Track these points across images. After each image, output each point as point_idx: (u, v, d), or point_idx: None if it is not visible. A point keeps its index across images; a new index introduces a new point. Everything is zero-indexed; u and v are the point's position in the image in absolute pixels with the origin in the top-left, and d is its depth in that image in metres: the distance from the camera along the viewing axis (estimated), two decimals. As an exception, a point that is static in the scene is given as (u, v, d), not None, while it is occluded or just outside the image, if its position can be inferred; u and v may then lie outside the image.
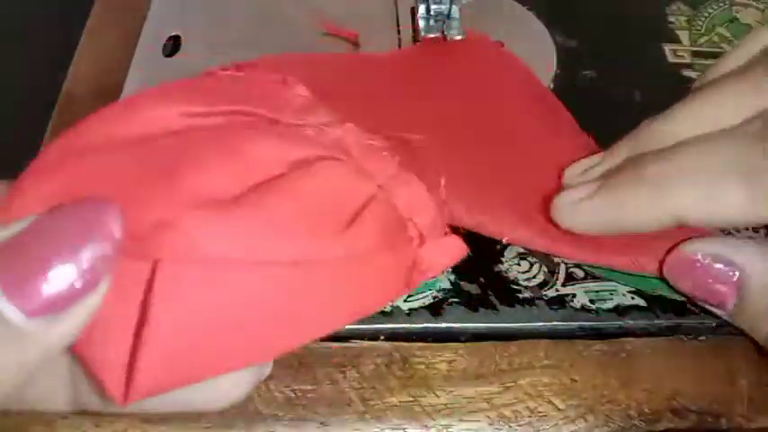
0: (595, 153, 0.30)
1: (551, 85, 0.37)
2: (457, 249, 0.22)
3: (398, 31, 0.38)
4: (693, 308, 0.29)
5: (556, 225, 0.28)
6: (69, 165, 0.16)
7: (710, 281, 0.25)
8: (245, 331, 0.16)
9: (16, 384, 0.13)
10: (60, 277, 0.13)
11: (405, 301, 0.28)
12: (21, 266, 0.13)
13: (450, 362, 0.28)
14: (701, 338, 0.29)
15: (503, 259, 0.30)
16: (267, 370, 0.20)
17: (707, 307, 0.27)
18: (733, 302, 0.25)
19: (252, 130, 0.18)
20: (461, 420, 0.27)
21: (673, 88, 0.36)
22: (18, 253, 0.13)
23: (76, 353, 0.15)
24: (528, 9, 0.40)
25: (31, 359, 0.13)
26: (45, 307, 0.13)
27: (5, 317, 0.13)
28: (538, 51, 0.38)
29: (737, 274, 0.24)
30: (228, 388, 0.17)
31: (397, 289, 0.21)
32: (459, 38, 0.36)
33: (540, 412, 0.27)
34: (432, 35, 0.37)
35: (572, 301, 0.29)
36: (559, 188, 0.29)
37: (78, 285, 0.13)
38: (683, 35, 0.39)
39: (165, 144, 0.17)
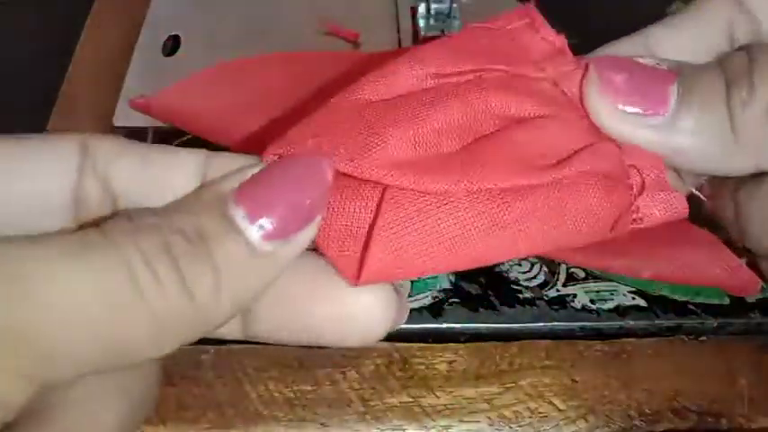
0: None
1: (552, 85, 0.36)
2: (677, 206, 0.20)
3: (398, 31, 0.38)
4: (694, 308, 0.29)
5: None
6: (321, 116, 0.19)
7: (649, 73, 0.19)
8: (454, 241, 0.18)
9: (253, 298, 0.16)
10: (291, 210, 0.16)
11: (405, 301, 0.28)
12: (262, 196, 0.16)
13: (450, 362, 0.28)
14: (701, 339, 0.29)
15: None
16: (403, 317, 0.19)
17: (638, 119, 0.19)
18: (673, 100, 0.19)
19: (483, 88, 0.20)
20: (461, 421, 0.27)
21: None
22: (261, 186, 0.16)
23: (320, 248, 0.18)
24: (528, 8, 0.40)
25: (265, 276, 0.16)
26: (277, 233, 0.16)
27: (248, 237, 0.15)
28: (538, 51, 0.38)
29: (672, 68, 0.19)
30: (364, 323, 0.18)
31: (604, 226, 0.19)
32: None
33: (540, 413, 0.27)
34: (432, 34, 0.36)
35: (573, 301, 0.29)
36: None
37: (302, 217, 0.16)
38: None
39: (407, 97, 0.20)
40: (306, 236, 0.16)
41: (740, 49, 0.19)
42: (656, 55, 0.20)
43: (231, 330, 0.18)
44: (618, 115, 0.19)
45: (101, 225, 0.15)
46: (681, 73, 0.19)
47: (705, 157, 0.19)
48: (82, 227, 0.16)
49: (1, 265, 0.13)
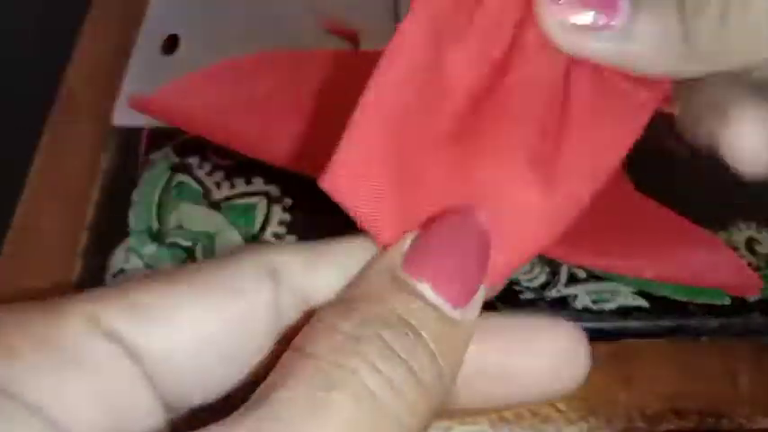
0: None
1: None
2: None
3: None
4: (695, 308, 0.29)
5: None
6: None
7: None
8: None
9: (459, 368, 0.16)
10: (464, 276, 0.16)
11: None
12: (437, 267, 0.16)
13: (450, 363, 0.28)
14: (702, 339, 0.29)
15: (504, 260, 0.30)
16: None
17: (590, 29, 0.18)
18: (626, 7, 0.18)
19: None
20: (462, 423, 0.27)
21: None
22: (432, 257, 0.16)
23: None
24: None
25: (465, 344, 0.16)
26: (460, 300, 0.16)
27: (443, 310, 0.15)
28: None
29: None
30: (567, 369, 0.18)
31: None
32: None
33: (541, 414, 0.27)
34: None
35: (574, 302, 0.29)
36: None
37: (474, 280, 0.16)
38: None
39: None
40: (480, 297, 0.16)
41: None
42: None
43: None
44: (569, 28, 0.18)
45: (308, 350, 0.14)
46: None
47: (658, 64, 0.18)
48: (281, 341, 0.17)
49: None
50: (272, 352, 0.17)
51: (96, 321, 0.15)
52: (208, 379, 0.16)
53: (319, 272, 0.17)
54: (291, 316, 0.17)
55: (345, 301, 0.16)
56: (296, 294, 0.17)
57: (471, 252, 0.16)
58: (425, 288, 0.15)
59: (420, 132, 0.17)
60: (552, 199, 0.17)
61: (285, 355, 0.15)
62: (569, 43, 0.18)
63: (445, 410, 0.17)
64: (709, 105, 0.20)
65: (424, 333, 0.15)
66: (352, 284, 0.17)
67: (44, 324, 0.15)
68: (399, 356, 0.14)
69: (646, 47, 0.18)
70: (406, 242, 0.16)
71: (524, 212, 0.17)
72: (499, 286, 0.18)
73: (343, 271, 0.17)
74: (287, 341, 0.15)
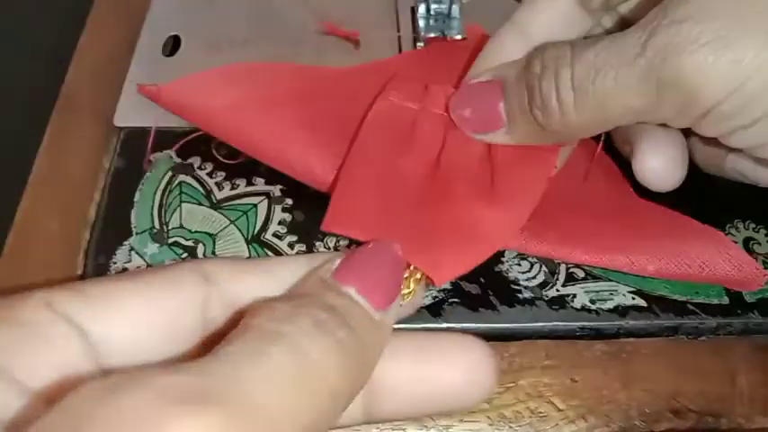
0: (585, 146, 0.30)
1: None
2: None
3: (399, 30, 0.38)
4: (693, 307, 0.29)
5: (550, 228, 0.28)
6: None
7: (481, 96, 0.27)
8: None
9: (378, 359, 0.19)
10: (384, 285, 0.20)
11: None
12: (362, 277, 0.19)
13: (450, 362, 0.28)
14: (701, 339, 0.29)
15: (503, 259, 0.30)
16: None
17: (484, 135, 0.27)
18: (504, 116, 0.26)
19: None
20: (461, 421, 0.27)
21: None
22: (357, 270, 0.20)
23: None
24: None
25: (383, 339, 0.19)
26: (380, 303, 0.19)
27: (364, 308, 0.18)
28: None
29: (496, 78, 0.26)
30: (481, 381, 0.20)
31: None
32: (459, 37, 0.36)
33: (540, 413, 0.27)
34: (432, 35, 0.36)
35: (572, 301, 0.29)
36: (554, 192, 0.28)
37: (393, 291, 0.20)
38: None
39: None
40: (396, 306, 0.20)
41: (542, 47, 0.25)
42: (528, 33, 0.27)
43: (353, 416, 0.20)
44: (478, 136, 0.27)
45: (251, 322, 0.16)
46: (503, 89, 0.26)
47: (536, 143, 0.27)
48: (206, 344, 0.19)
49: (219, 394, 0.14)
50: (198, 350, 0.19)
51: (51, 305, 0.17)
52: (142, 359, 0.18)
53: (245, 279, 0.20)
54: (219, 315, 0.20)
55: (281, 296, 0.19)
56: (224, 296, 0.20)
57: (387, 269, 0.20)
58: (351, 290, 0.18)
59: (392, 187, 0.24)
60: (498, 213, 0.25)
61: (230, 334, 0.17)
62: (479, 138, 0.27)
63: (371, 419, 0.20)
64: (629, 129, 0.27)
65: (350, 321, 0.17)
66: (288, 290, 0.20)
67: (7, 308, 0.17)
68: (328, 330, 0.17)
69: (522, 138, 0.26)
70: (336, 261, 0.20)
71: (481, 225, 0.24)
72: (419, 301, 0.22)
73: (273, 282, 0.20)
74: (212, 346, 0.16)
